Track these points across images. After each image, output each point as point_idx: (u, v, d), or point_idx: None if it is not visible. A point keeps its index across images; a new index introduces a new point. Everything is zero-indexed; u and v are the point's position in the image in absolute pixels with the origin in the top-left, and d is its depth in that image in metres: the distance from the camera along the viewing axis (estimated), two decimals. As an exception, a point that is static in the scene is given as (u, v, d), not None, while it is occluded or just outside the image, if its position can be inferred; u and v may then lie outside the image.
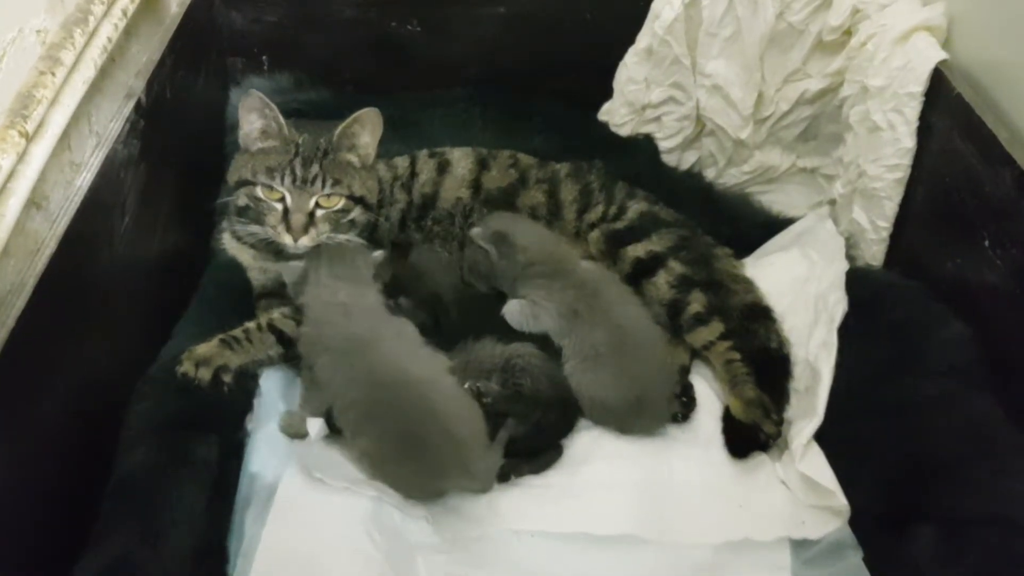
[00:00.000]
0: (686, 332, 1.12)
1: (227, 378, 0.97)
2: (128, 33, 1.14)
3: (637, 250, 1.17)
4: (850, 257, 1.19)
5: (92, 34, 1.01)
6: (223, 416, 0.97)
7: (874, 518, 0.93)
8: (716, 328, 1.10)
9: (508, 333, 1.08)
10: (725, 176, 1.40)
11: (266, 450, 0.98)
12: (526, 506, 0.96)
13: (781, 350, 1.10)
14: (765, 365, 1.08)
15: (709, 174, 1.41)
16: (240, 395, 1.00)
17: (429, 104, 1.41)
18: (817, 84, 1.26)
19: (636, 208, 1.23)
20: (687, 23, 1.26)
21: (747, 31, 1.24)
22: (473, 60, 1.42)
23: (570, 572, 0.92)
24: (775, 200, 1.39)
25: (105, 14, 1.05)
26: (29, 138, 0.85)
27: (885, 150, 1.12)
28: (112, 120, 1.00)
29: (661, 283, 1.14)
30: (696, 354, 1.14)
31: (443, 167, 1.26)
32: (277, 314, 1.07)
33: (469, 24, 1.40)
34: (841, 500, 0.95)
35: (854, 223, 1.20)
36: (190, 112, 1.27)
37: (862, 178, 1.17)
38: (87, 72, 0.99)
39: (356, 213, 1.11)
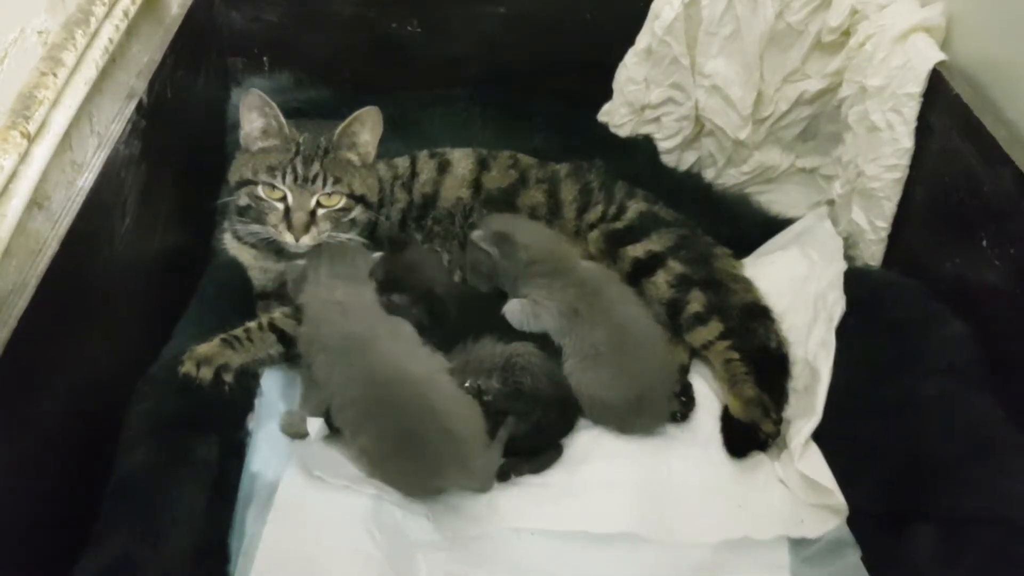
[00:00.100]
0: (685, 331, 1.12)
1: (228, 377, 0.98)
2: (129, 34, 1.14)
3: (636, 250, 1.17)
4: (849, 257, 1.19)
5: (93, 35, 1.01)
6: (223, 416, 0.97)
7: (873, 517, 0.94)
8: (715, 327, 1.11)
9: (508, 333, 1.09)
10: (724, 176, 1.40)
11: (267, 449, 0.98)
12: (526, 505, 0.96)
13: (780, 349, 1.11)
14: (764, 364, 1.08)
15: (708, 174, 1.41)
16: (241, 394, 1.00)
17: (429, 104, 1.42)
18: (816, 84, 1.27)
19: (636, 208, 1.23)
20: (686, 23, 1.26)
21: (746, 31, 1.24)
22: (473, 60, 1.43)
23: (569, 571, 0.92)
24: (774, 200, 1.39)
25: (106, 15, 1.05)
26: (31, 138, 0.86)
27: (884, 150, 1.12)
28: (113, 120, 1.00)
29: (660, 282, 1.14)
30: (695, 353, 1.15)
31: (443, 167, 1.27)
32: (278, 313, 1.07)
33: (469, 24, 1.40)
34: (839, 499, 0.95)
35: (853, 223, 1.21)
36: (191, 112, 1.27)
37: (861, 178, 1.17)
38: (88, 72, 0.99)
39: (357, 212, 1.11)
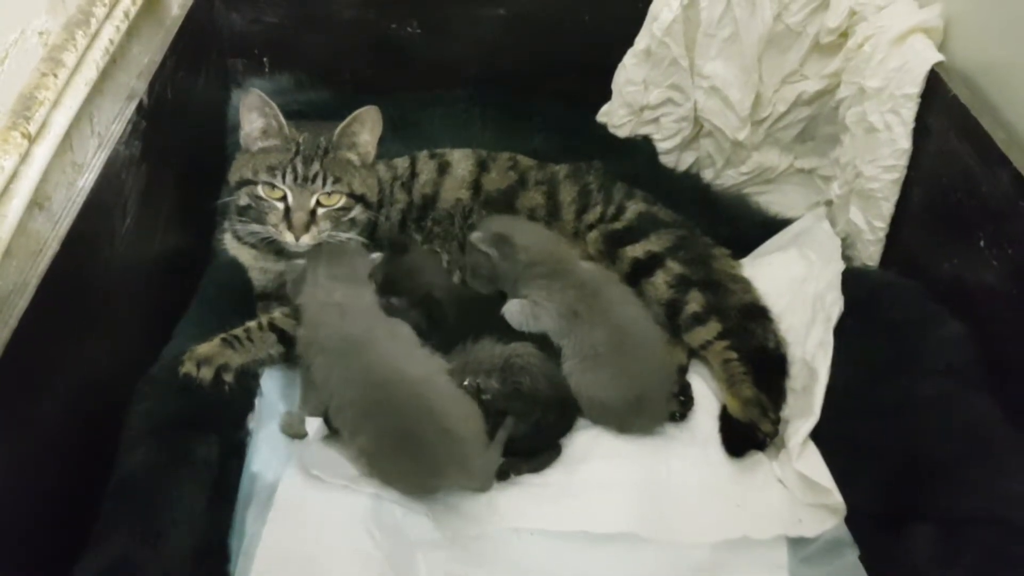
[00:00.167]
0: (684, 332, 1.12)
1: (228, 377, 0.98)
2: (129, 35, 1.14)
3: (635, 250, 1.17)
4: (847, 257, 1.19)
5: (94, 36, 1.01)
6: (223, 416, 0.97)
7: (871, 517, 0.94)
8: (714, 328, 1.11)
9: (507, 334, 1.09)
10: (723, 177, 1.41)
11: (267, 450, 0.98)
12: (525, 504, 0.97)
13: (778, 350, 1.11)
14: (762, 364, 1.08)
15: (707, 175, 1.42)
16: (241, 394, 1.00)
17: (429, 104, 1.42)
18: (814, 85, 1.27)
19: (634, 208, 1.23)
20: (685, 24, 1.26)
21: (745, 33, 1.25)
22: (473, 61, 1.43)
23: (569, 570, 0.92)
24: (772, 201, 1.39)
25: (107, 16, 1.05)
26: (31, 139, 0.86)
27: (882, 151, 1.13)
28: (114, 121, 1.00)
29: (659, 283, 1.14)
30: (694, 353, 1.15)
31: (443, 168, 1.27)
32: (278, 313, 1.08)
33: (469, 25, 1.40)
34: (837, 498, 0.95)
35: (851, 223, 1.21)
36: (191, 113, 1.27)
37: (859, 179, 1.17)
38: (89, 73, 0.99)
39: (357, 211, 1.11)
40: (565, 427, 1.05)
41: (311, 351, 1.00)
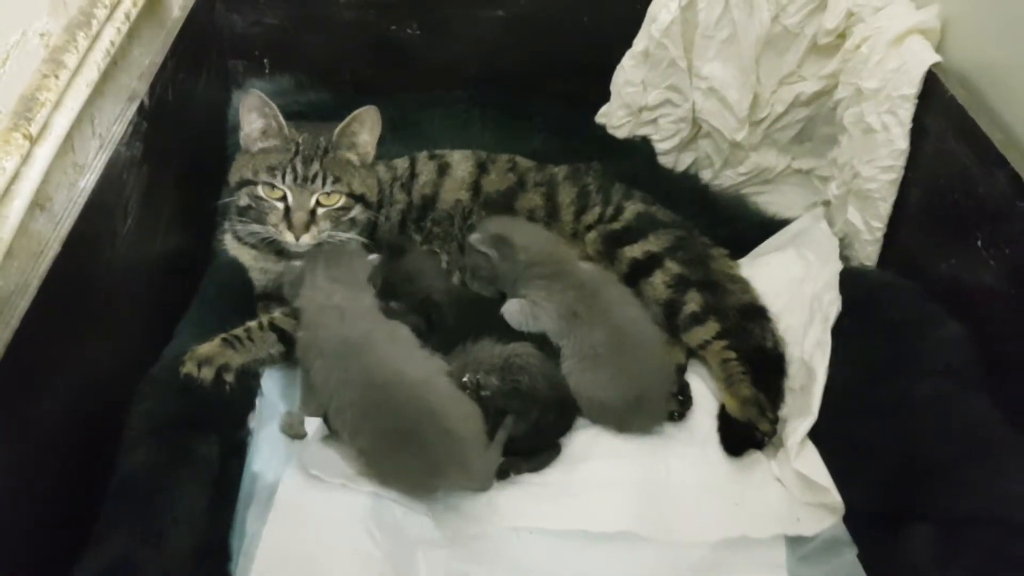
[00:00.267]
0: (682, 331, 1.13)
1: (229, 377, 0.98)
2: (130, 36, 1.15)
3: (634, 250, 1.18)
4: (844, 258, 1.20)
5: (95, 37, 1.02)
6: (224, 416, 0.98)
7: (869, 516, 0.94)
8: (712, 327, 1.11)
9: (507, 334, 1.09)
10: (721, 177, 1.41)
11: (268, 449, 0.99)
12: (525, 504, 0.97)
13: (776, 349, 1.11)
14: (761, 364, 1.09)
15: (705, 175, 1.42)
16: (241, 394, 1.00)
17: (429, 105, 1.42)
18: (812, 86, 1.27)
19: (633, 209, 1.24)
20: (683, 26, 1.27)
21: (743, 34, 1.25)
22: (472, 62, 1.43)
23: (568, 569, 0.92)
24: (771, 201, 1.40)
25: (108, 17, 1.05)
26: (33, 140, 0.86)
27: (879, 152, 1.13)
28: (115, 122, 1.00)
29: (658, 283, 1.15)
30: (692, 353, 1.15)
31: (443, 169, 1.27)
32: (278, 313, 1.08)
33: (468, 26, 1.41)
34: (835, 497, 0.95)
35: (849, 224, 1.21)
36: (192, 114, 1.27)
37: (856, 179, 1.18)
38: (90, 75, 0.99)
39: (356, 211, 1.12)
40: (564, 426, 1.06)
41: (311, 354, 1.00)
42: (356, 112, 1.10)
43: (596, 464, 1.01)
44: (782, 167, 1.38)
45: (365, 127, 1.12)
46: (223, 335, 1.02)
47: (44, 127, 0.89)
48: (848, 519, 0.96)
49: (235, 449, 0.97)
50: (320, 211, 1.08)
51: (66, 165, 1.01)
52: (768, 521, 0.97)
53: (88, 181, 0.91)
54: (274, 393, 1.06)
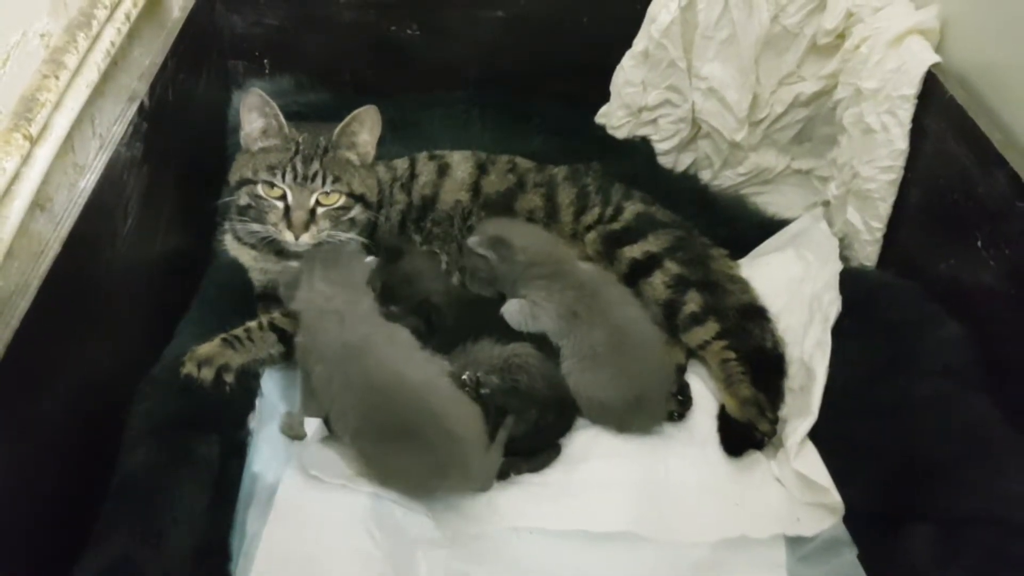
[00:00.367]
0: (682, 332, 1.13)
1: (229, 377, 0.98)
2: (131, 37, 1.15)
3: (634, 251, 1.18)
4: (844, 258, 1.20)
5: (95, 38, 1.02)
6: (224, 416, 0.98)
7: (869, 517, 0.94)
8: (712, 328, 1.11)
9: (506, 334, 1.09)
10: (721, 178, 1.41)
11: (268, 450, 0.99)
12: (525, 504, 0.97)
13: (776, 349, 1.11)
14: (760, 364, 1.09)
15: (705, 176, 1.42)
16: (241, 394, 1.01)
17: (429, 106, 1.43)
18: (811, 87, 1.27)
19: (632, 209, 1.24)
20: (683, 26, 1.27)
21: (742, 34, 1.25)
22: (472, 62, 1.43)
23: (568, 569, 0.92)
24: (770, 201, 1.40)
25: (108, 18, 1.05)
26: (33, 141, 0.86)
27: (879, 152, 1.13)
28: (115, 123, 1.01)
29: (657, 283, 1.15)
30: (692, 353, 1.15)
31: (443, 170, 1.28)
32: (278, 313, 1.08)
33: (468, 27, 1.41)
34: (835, 497, 0.95)
35: (848, 224, 1.21)
36: (192, 115, 1.27)
37: (856, 179, 1.18)
38: (90, 75, 0.99)
39: (356, 211, 1.12)
40: (564, 427, 1.06)
41: (310, 359, 1.00)
42: (356, 112, 1.11)
43: (596, 464, 1.02)
44: (782, 167, 1.38)
45: (365, 127, 1.12)
46: (223, 335, 1.02)
47: (44, 127, 0.90)
48: (848, 519, 0.96)
49: (235, 449, 0.97)
50: (320, 210, 1.08)
51: (66, 165, 1.01)
52: (768, 521, 0.97)
53: (88, 181, 0.91)
54: (274, 393, 1.06)
